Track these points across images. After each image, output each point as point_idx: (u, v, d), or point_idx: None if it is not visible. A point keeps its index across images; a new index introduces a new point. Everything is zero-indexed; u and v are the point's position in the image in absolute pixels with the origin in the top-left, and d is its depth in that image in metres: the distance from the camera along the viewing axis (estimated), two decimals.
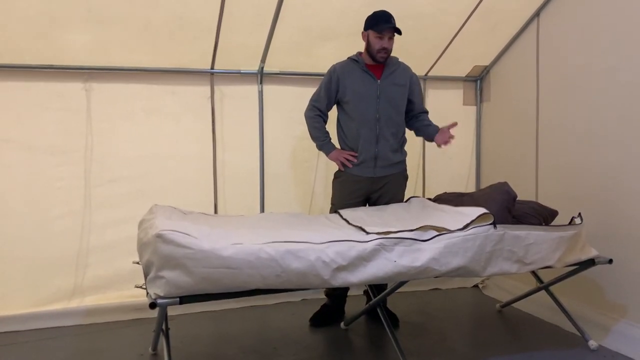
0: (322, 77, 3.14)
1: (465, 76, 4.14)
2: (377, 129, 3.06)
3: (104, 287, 3.38)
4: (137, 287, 2.40)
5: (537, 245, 2.51)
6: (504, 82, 3.94)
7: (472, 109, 4.20)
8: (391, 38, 3.00)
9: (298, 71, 3.69)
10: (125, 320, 3.29)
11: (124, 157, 3.42)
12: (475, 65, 4.04)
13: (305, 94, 3.23)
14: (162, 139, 3.49)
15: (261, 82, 3.65)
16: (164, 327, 2.41)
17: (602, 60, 3.04)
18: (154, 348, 2.83)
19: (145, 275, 2.21)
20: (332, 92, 3.11)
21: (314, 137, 3.19)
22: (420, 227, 2.39)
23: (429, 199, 3.08)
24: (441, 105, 4.00)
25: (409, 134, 3.27)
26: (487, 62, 4.02)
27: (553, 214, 2.85)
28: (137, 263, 2.44)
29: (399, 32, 2.97)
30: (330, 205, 3.25)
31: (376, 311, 2.78)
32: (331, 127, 3.22)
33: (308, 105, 3.17)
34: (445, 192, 3.15)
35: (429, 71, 4.01)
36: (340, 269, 2.20)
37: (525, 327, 3.24)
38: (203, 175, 3.59)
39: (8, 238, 3.21)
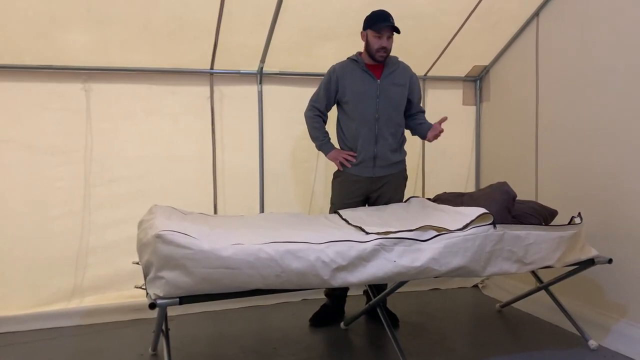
0: (322, 78, 3.14)
1: (465, 76, 4.14)
2: (376, 128, 3.06)
3: (103, 287, 3.38)
4: (137, 287, 2.40)
5: (536, 245, 2.51)
6: (504, 82, 3.94)
7: (472, 109, 4.20)
8: (390, 37, 3.00)
9: (298, 71, 3.69)
10: (125, 320, 3.29)
11: (124, 157, 3.42)
12: (475, 65, 4.04)
13: (305, 94, 3.23)
14: (162, 139, 3.49)
15: (261, 82, 3.65)
16: (163, 327, 2.41)
17: (602, 60, 3.04)
18: (154, 348, 2.83)
19: (145, 276, 2.21)
20: (331, 92, 3.11)
21: (313, 137, 3.20)
22: (420, 227, 2.39)
23: (429, 199, 3.08)
24: (441, 105, 4.01)
25: (408, 133, 3.27)
26: (486, 62, 4.02)
27: (553, 213, 2.85)
28: (137, 263, 2.44)
29: (398, 31, 2.97)
30: (329, 205, 3.25)
31: (376, 311, 2.78)
32: (331, 127, 3.22)
33: (308, 106, 3.18)
34: (445, 192, 3.15)
35: (428, 71, 4.00)
36: (340, 269, 2.20)
37: (525, 327, 3.24)
38: (203, 175, 3.60)
39: (8, 238, 3.21)
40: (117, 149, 3.40)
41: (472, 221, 2.40)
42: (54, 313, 3.23)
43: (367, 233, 2.39)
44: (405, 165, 3.25)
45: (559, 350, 2.86)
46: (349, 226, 2.61)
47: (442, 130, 3.02)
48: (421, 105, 3.29)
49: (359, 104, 3.06)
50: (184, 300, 2.10)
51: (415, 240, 2.31)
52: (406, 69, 3.17)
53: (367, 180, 3.12)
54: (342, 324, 3.22)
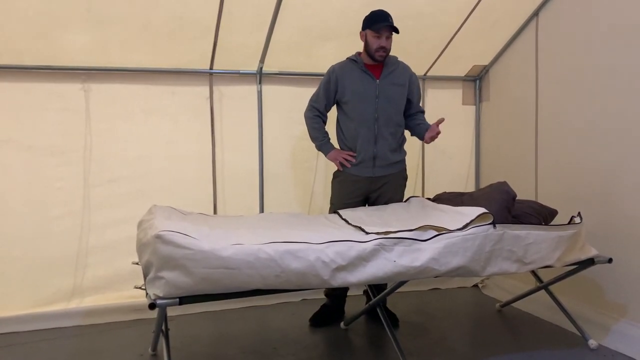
0: (322, 78, 3.14)
1: (465, 76, 4.14)
2: (375, 128, 3.06)
3: (103, 287, 3.38)
4: (137, 287, 2.40)
5: (536, 244, 2.51)
6: (503, 81, 3.94)
7: (472, 109, 4.20)
8: (389, 37, 2.99)
9: (297, 71, 3.69)
10: (125, 320, 3.29)
11: (124, 157, 3.42)
12: (475, 65, 4.04)
13: (304, 94, 3.23)
14: (162, 139, 3.49)
15: (260, 82, 3.65)
16: (163, 327, 2.41)
17: (602, 60, 3.04)
18: (154, 348, 2.82)
19: (145, 276, 2.21)
20: (330, 92, 3.11)
21: (313, 138, 3.20)
22: (419, 227, 2.39)
23: (429, 199, 3.08)
24: (440, 105, 4.01)
25: (407, 133, 3.27)
26: (486, 62, 4.02)
27: (552, 213, 2.85)
28: (137, 264, 2.44)
29: (397, 31, 2.97)
30: (329, 205, 3.25)
31: (376, 311, 2.78)
32: (331, 127, 3.22)
33: (307, 106, 3.18)
34: (445, 192, 3.15)
35: (428, 71, 4.00)
36: (340, 269, 2.20)
37: (525, 326, 3.24)
38: (202, 175, 3.59)
39: (7, 238, 3.21)
40: (117, 149, 3.40)
41: (472, 221, 2.40)
42: (54, 313, 3.23)
43: (367, 233, 2.39)
44: (405, 165, 3.25)
45: (558, 349, 2.86)
46: (349, 226, 2.61)
47: (439, 132, 3.02)
48: (421, 105, 3.29)
49: (359, 104, 3.06)
50: (183, 300, 2.10)
51: (415, 240, 2.31)
52: (406, 68, 3.17)
53: (367, 180, 3.12)
54: (342, 324, 3.22)
